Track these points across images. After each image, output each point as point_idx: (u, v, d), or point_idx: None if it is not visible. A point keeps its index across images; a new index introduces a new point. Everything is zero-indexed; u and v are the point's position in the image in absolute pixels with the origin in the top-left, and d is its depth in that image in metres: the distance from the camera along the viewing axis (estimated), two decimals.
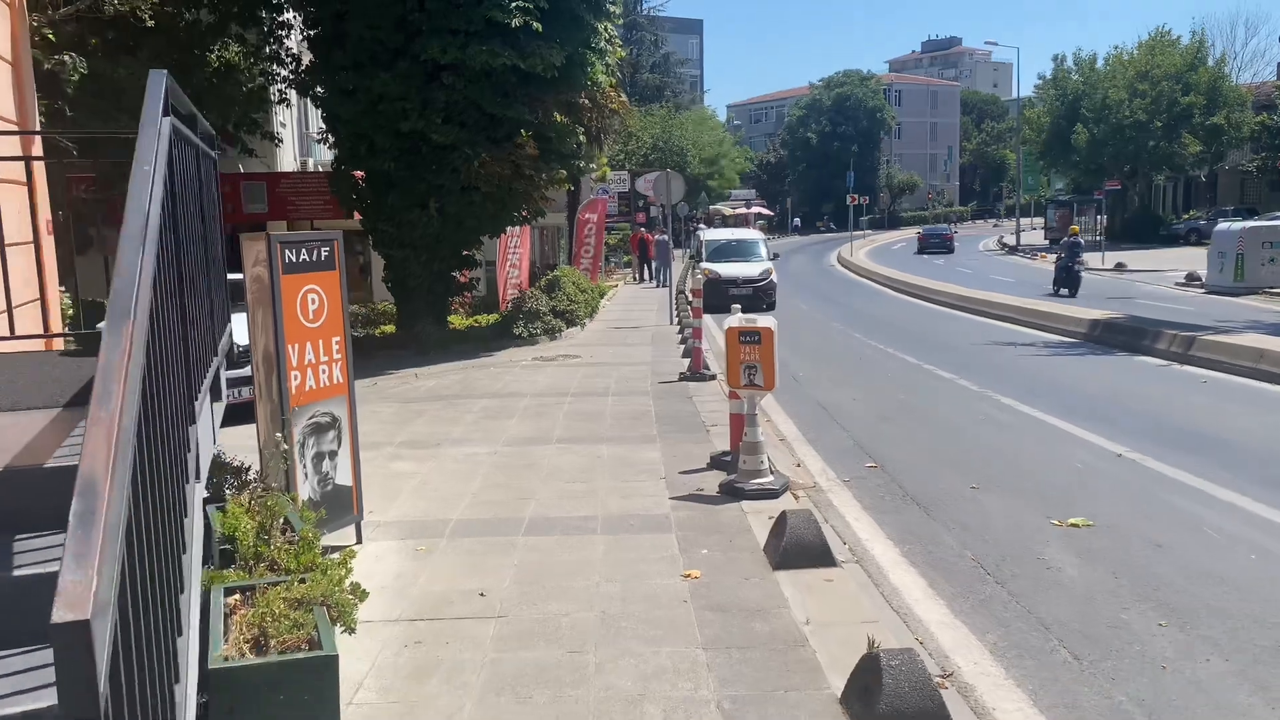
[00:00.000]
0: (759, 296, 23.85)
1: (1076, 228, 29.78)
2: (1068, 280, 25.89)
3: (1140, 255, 39.55)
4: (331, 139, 18.01)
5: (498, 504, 6.62)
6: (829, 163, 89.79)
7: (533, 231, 32.37)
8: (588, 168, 18.87)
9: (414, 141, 16.55)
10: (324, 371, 5.43)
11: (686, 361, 13.53)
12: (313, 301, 5.35)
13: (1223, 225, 26.63)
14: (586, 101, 17.80)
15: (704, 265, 24.51)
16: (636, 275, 33.77)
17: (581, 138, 18.14)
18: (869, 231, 67.52)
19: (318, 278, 5.39)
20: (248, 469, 5.30)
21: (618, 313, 23.05)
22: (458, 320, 19.76)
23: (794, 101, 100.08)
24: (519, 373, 13.21)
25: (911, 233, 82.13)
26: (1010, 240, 62.49)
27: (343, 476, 5.59)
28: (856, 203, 54.87)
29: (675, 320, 19.87)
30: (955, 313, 22.18)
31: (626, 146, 50.51)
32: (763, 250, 25.70)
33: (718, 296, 24.55)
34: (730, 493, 6.71)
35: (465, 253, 18.26)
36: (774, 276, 24.25)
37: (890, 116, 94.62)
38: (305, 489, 5.31)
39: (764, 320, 6.79)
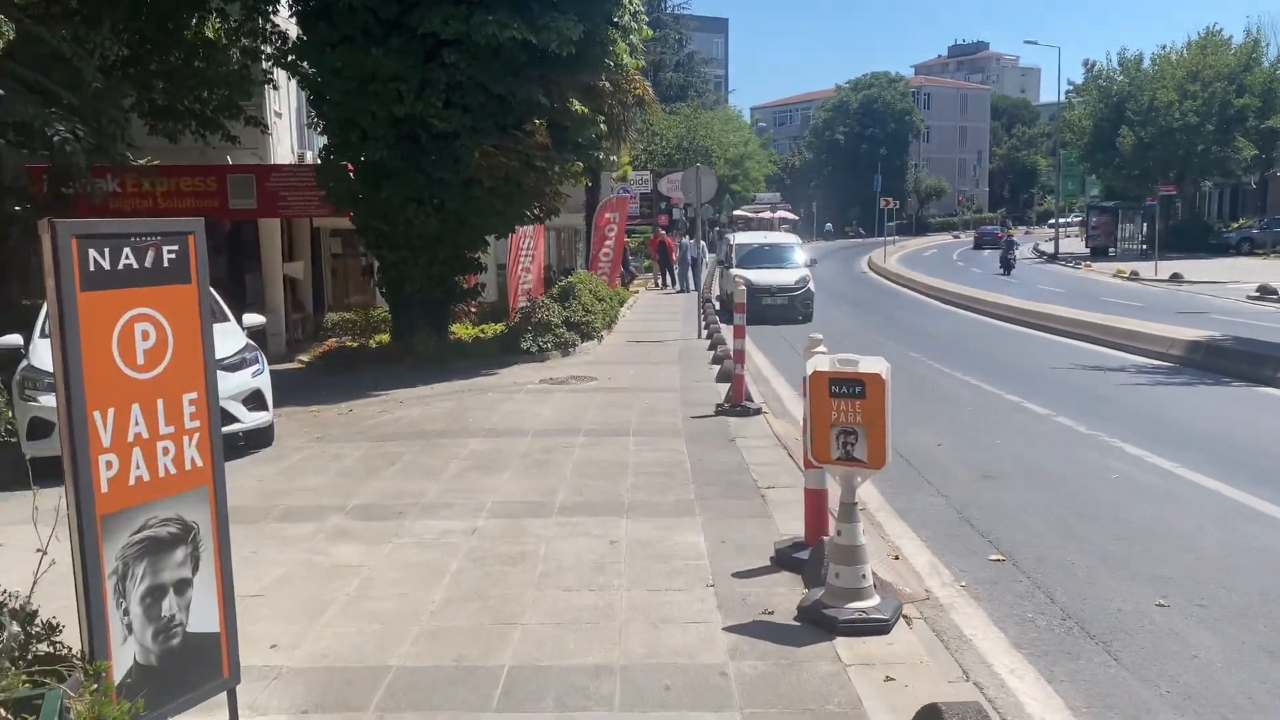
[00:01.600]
0: (795, 307, 21.62)
1: (1013, 231, 43.55)
2: (1004, 265, 39.42)
3: (1193, 265, 36.97)
4: (320, 125, 15.90)
5: (465, 635, 4.40)
6: (856, 166, 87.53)
7: (550, 234, 30.29)
8: (608, 161, 16.70)
9: (411, 128, 14.48)
10: (166, 452, 3.26)
11: (723, 388, 11.31)
12: (145, 336, 3.19)
13: None
14: (607, 85, 15.60)
15: (734, 272, 22.30)
16: (660, 280, 31.57)
17: (602, 126, 15.97)
18: (897, 237, 65.02)
19: (153, 296, 3.22)
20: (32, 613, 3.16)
21: (639, 323, 20.84)
22: (462, 330, 17.63)
23: (820, 104, 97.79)
24: (522, 400, 11.02)
25: (941, 239, 79.90)
26: (1047, 248, 59.92)
27: (201, 619, 3.41)
28: (890, 205, 52.35)
29: (704, 332, 17.65)
30: (1015, 328, 19.85)
31: (649, 146, 48.37)
32: (798, 256, 23.45)
33: (750, 307, 22.32)
34: (815, 620, 4.47)
35: (470, 255, 16.17)
36: (811, 285, 22.00)
37: (918, 120, 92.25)
38: (126, 650, 3.15)
39: (870, 363, 4.55)
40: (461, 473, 7.49)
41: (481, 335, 17.29)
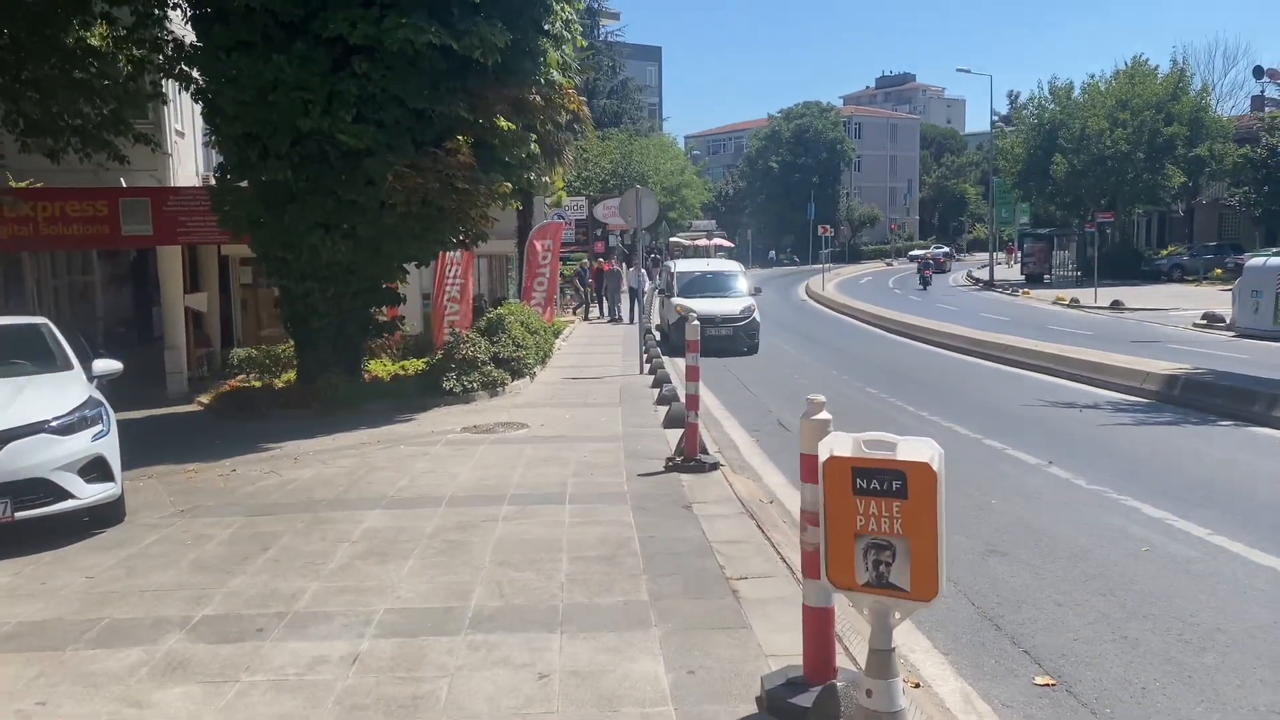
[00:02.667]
0: (740, 338, 20.39)
1: (928, 254, 53.46)
2: (921, 283, 48.21)
3: (1129, 292, 36.84)
4: (215, 141, 14.22)
5: None
6: (789, 194, 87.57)
7: (479, 261, 28.69)
8: (540, 184, 15.30)
9: (318, 145, 12.96)
10: None
11: (671, 435, 9.91)
12: None
13: (1256, 261, 23.72)
14: (538, 99, 14.21)
15: (676, 301, 21.04)
16: (599, 311, 30.13)
17: (534, 146, 14.56)
18: (830, 265, 64.72)
19: None
20: None
21: (575, 356, 19.36)
22: (381, 367, 15.96)
23: (752, 133, 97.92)
24: (439, 455, 9.46)
25: (875, 266, 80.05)
26: (981, 274, 60.08)
27: None
28: (828, 233, 51.84)
29: (646, 367, 16.27)
30: (971, 360, 18.86)
31: (583, 171, 47.11)
32: (742, 284, 22.26)
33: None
34: None
35: (387, 285, 14.60)
36: (757, 315, 20.80)
37: (850, 149, 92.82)
38: None
39: (914, 446, 3.17)
40: (350, 562, 5.93)
41: (402, 372, 15.67)
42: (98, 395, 7.14)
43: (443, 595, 5.30)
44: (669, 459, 8.73)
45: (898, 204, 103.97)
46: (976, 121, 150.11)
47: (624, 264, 31.12)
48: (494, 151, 13.63)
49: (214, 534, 6.69)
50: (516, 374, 14.58)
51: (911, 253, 78.38)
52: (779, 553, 6.00)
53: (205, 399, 14.89)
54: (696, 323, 9.08)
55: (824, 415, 3.81)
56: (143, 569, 5.94)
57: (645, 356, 16.71)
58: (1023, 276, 51.68)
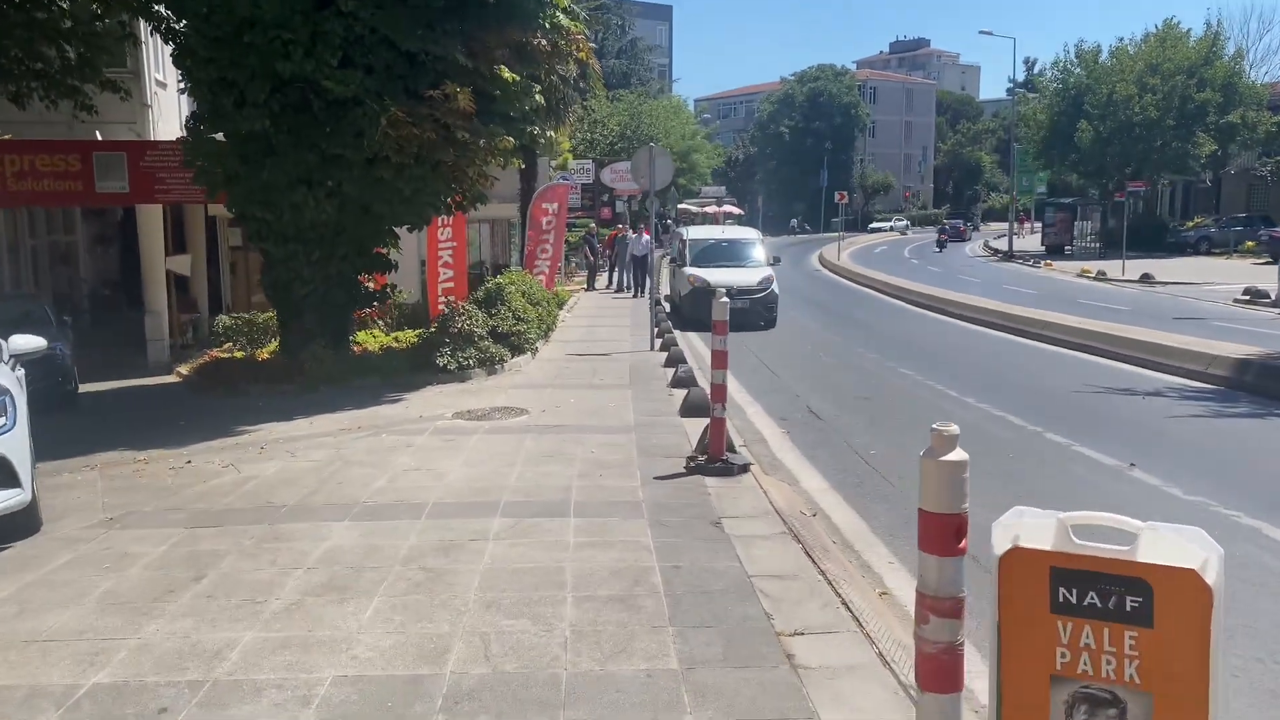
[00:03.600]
0: (757, 311, 19.07)
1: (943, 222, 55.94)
2: (938, 245, 51.66)
3: (1157, 265, 35.33)
4: (189, 88, 12.90)
5: None
6: (801, 160, 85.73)
7: (479, 226, 27.34)
8: (545, 140, 13.95)
9: (300, 92, 11.70)
10: None
11: (690, 426, 8.66)
12: None
13: None
14: (544, 45, 12.86)
15: (689, 271, 19.72)
16: (606, 281, 28.73)
17: (538, 98, 13.22)
18: (844, 234, 63.12)
19: None
20: None
21: (580, 329, 18.08)
22: (370, 339, 14.76)
23: (765, 96, 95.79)
24: (425, 446, 8.22)
25: (887, 236, 78.26)
26: (998, 245, 58.50)
27: None
28: (845, 200, 50.26)
29: (656, 343, 15.00)
30: (1003, 336, 17.56)
31: (590, 134, 45.58)
32: (760, 253, 20.90)
33: (706, 309, 19.57)
34: None
35: (377, 250, 13.36)
36: (775, 286, 19.47)
37: (864, 114, 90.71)
38: None
39: (1166, 539, 1.90)
40: (301, 600, 4.71)
41: (395, 345, 14.47)
42: (6, 380, 5.88)
43: (411, 656, 4.07)
44: (690, 457, 7.48)
45: (912, 171, 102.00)
46: (991, 89, 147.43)
47: (630, 230, 29.79)
48: (495, 103, 12.33)
49: (142, 552, 5.47)
50: (516, 350, 13.33)
51: (887, 224, 77.48)
52: (838, 593, 4.76)
53: (185, 370, 13.76)
54: (725, 299, 7.75)
55: (957, 455, 2.54)
56: (39, 605, 4.72)
57: (656, 331, 15.42)
58: (1043, 248, 50.17)
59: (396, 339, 15.04)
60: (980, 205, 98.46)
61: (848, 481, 7.54)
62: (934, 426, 2.64)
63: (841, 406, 10.79)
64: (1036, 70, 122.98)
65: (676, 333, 16.40)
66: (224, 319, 16.25)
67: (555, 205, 20.49)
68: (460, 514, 6.12)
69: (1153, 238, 46.14)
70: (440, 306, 15.81)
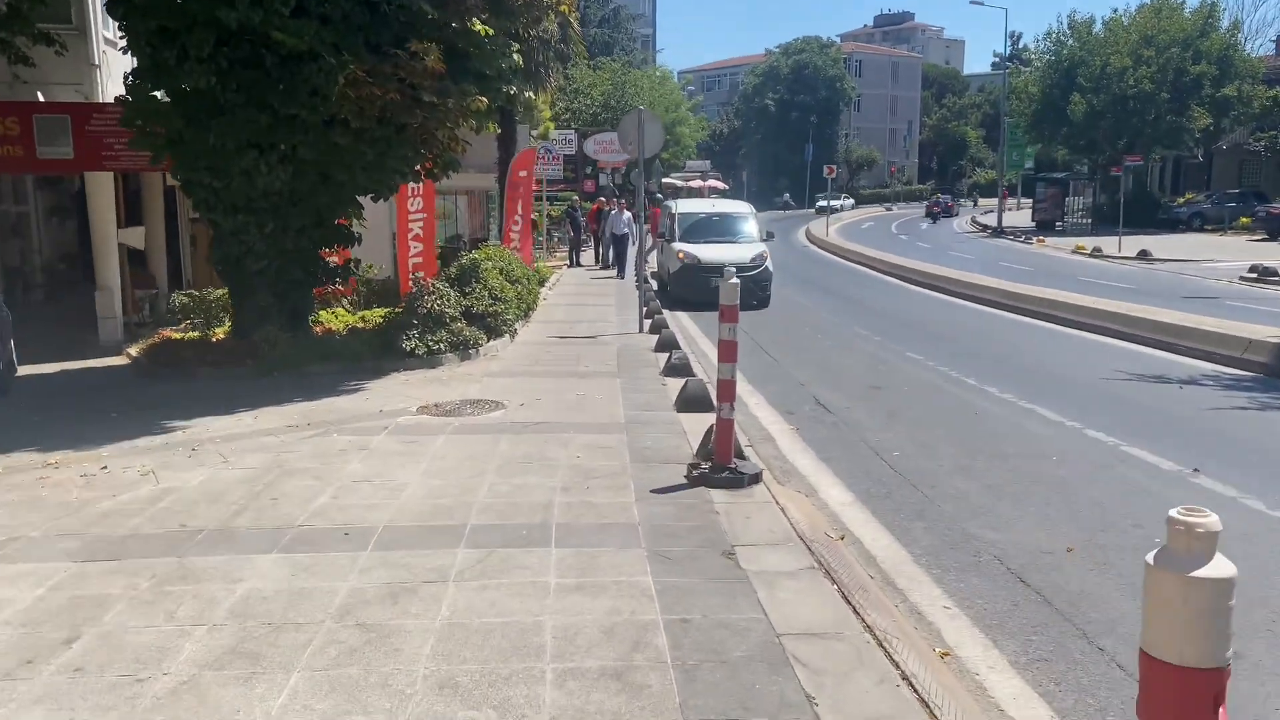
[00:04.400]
0: (750, 290, 17.83)
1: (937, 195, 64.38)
2: (930, 216, 57.37)
3: (1153, 241, 34.53)
4: (128, 42, 11.63)
5: None
6: (787, 134, 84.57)
7: (456, 198, 26.07)
8: (523, 100, 12.73)
9: (250, 45, 10.48)
10: None
11: (687, 422, 7.58)
12: None
13: None
14: None
15: (678, 246, 18.58)
16: (592, 256, 27.49)
17: (516, 57, 12.02)
18: (831, 209, 61.93)
19: None
20: None
21: (563, 309, 16.93)
22: (331, 318, 13.58)
23: (750, 69, 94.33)
24: (382, 451, 7.08)
25: (873, 211, 77.18)
26: (985, 220, 57.64)
27: None
28: (833, 174, 49.11)
29: (645, 324, 13.88)
30: (1008, 316, 16.58)
31: (572, 103, 44.16)
32: (752, 228, 19.77)
33: (696, 288, 18.47)
34: None
35: (339, 222, 12.22)
36: (769, 263, 18.38)
37: (850, 87, 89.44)
38: None
39: None
40: (195, 677, 3.59)
41: (362, 325, 13.32)
42: None
43: None
44: (692, 464, 6.39)
45: (897, 146, 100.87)
46: (975, 63, 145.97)
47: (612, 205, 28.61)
48: (468, 61, 11.15)
49: (10, 599, 4.33)
50: (493, 332, 12.18)
51: (837, 202, 75.20)
52: (895, 661, 3.70)
53: (135, 350, 12.59)
54: (736, 280, 6.62)
55: (1219, 568, 1.44)
56: None
57: (644, 312, 14.29)
58: (1033, 223, 49.26)
59: (363, 319, 13.87)
60: (966, 180, 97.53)
61: (874, 492, 6.47)
62: (1174, 514, 1.54)
63: (852, 397, 9.72)
64: (1022, 45, 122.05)
65: (666, 313, 15.29)
66: (180, 295, 15.05)
67: (524, 172, 19.24)
68: (416, 543, 5.00)
69: (1145, 214, 45.28)
70: (411, 285, 14.66)
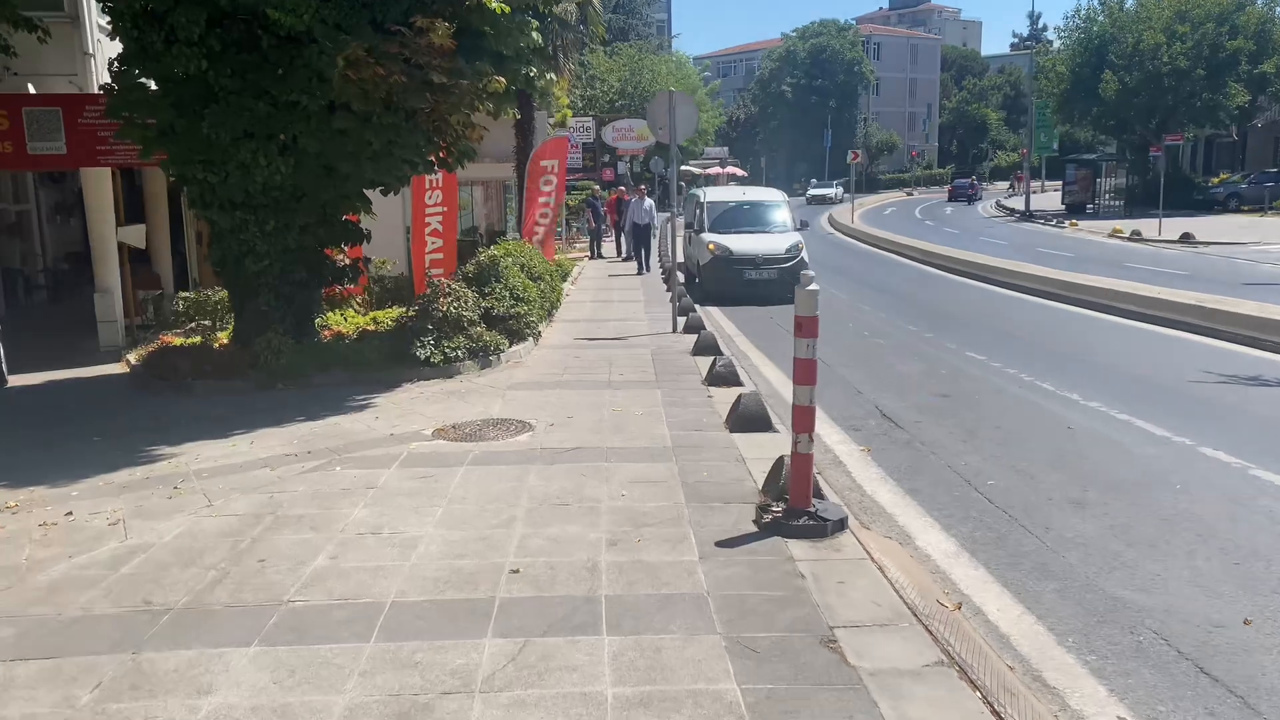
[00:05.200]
0: (786, 282, 16.82)
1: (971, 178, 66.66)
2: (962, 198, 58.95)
3: (1190, 224, 33.14)
4: (113, 24, 10.66)
5: None
6: (804, 119, 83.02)
7: (472, 189, 25.03)
8: (543, 83, 11.66)
9: (245, 26, 9.53)
10: None
11: (744, 443, 6.52)
12: None
13: None
14: None
15: (707, 237, 17.50)
16: (613, 247, 26.37)
17: (535, 35, 10.97)
18: (853, 195, 60.64)
19: None
20: None
21: (588, 306, 15.88)
22: (339, 321, 12.63)
23: (766, 53, 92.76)
24: (390, 490, 6.04)
25: (894, 195, 75.70)
26: (1010, 204, 56.21)
27: None
28: (858, 159, 47.81)
29: (679, 322, 12.81)
30: (1067, 309, 15.43)
31: (588, 90, 43.04)
32: (786, 216, 18.65)
33: (728, 282, 17.35)
34: None
35: (347, 217, 11.27)
36: (805, 254, 17.27)
37: (869, 70, 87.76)
38: None
39: None
40: None
41: (373, 327, 12.36)
42: None
43: None
44: (762, 505, 5.34)
45: (917, 130, 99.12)
46: (993, 45, 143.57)
47: (630, 192, 27.41)
48: (483, 41, 10.11)
49: None
50: (515, 336, 11.15)
51: (830, 190, 72.40)
52: None
53: (135, 357, 11.73)
54: (813, 286, 5.55)
55: None
56: None
57: (677, 308, 13.21)
58: (1063, 206, 47.85)
59: (375, 320, 12.89)
60: (988, 164, 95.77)
61: (980, 536, 5.40)
62: None
63: (919, 407, 8.64)
64: (1042, 25, 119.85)
65: (698, 309, 14.24)
66: (185, 296, 14.15)
67: (555, 162, 18.12)
68: (432, 628, 3.97)
69: (1179, 195, 43.81)
70: (426, 284, 13.66)
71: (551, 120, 27.50)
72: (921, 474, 6.61)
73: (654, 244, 22.38)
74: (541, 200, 18.40)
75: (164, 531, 5.29)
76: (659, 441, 6.97)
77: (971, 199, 63.33)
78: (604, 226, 26.22)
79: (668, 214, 16.53)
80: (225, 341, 11.69)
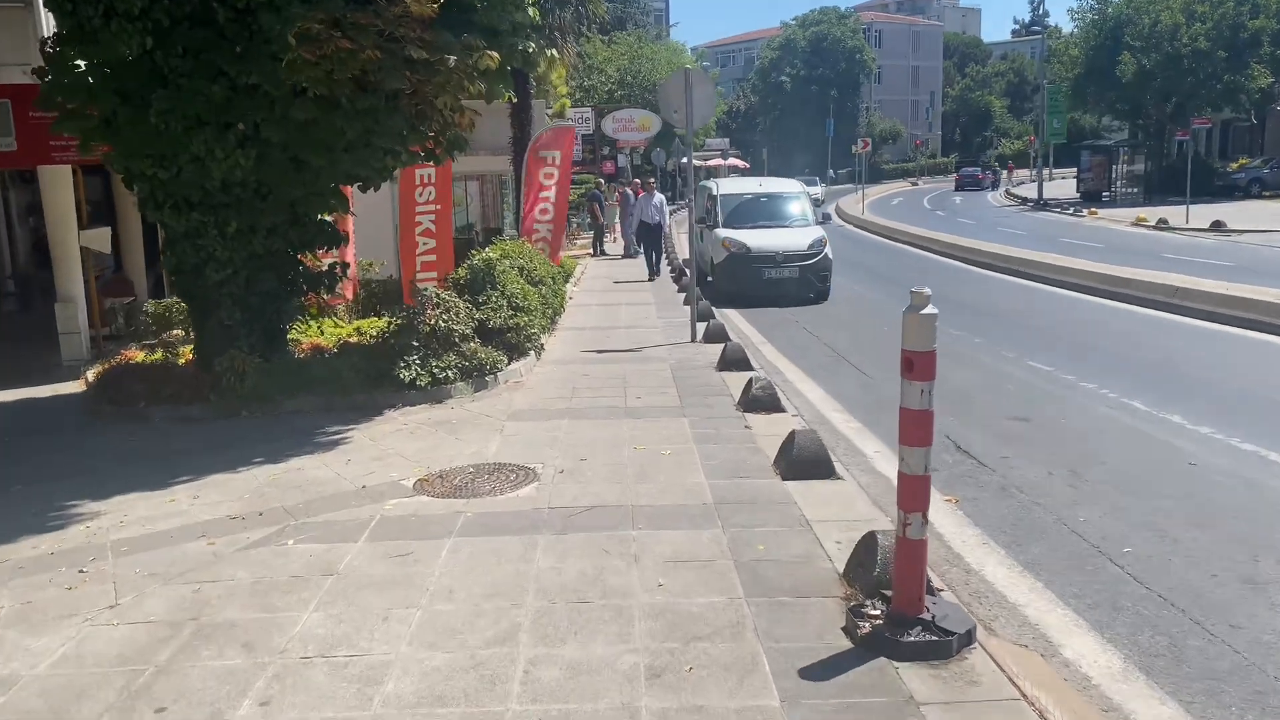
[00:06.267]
0: (808, 281, 15.50)
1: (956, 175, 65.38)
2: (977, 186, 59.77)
3: (1216, 212, 31.70)
4: None
5: None
6: (805, 109, 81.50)
7: (466, 183, 23.58)
8: (545, 57, 10.25)
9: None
10: None
11: (807, 500, 5.11)
12: None
13: None
14: None
15: (721, 233, 16.08)
16: (622, 246, 24.74)
17: (531, 10, 9.57)
18: (856, 185, 59.18)
19: None
20: None
21: (594, 312, 14.45)
22: (317, 335, 11.27)
23: (765, 43, 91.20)
24: (355, 578, 4.61)
25: (900, 186, 74.18)
26: (1020, 192, 54.77)
27: None
28: (867, 148, 46.33)
29: (699, 330, 11.40)
30: (1119, 305, 14.05)
31: (585, 80, 41.56)
32: (806, 209, 17.23)
33: (745, 281, 15.77)
34: None
35: (323, 216, 9.91)
36: (829, 250, 15.86)
37: (870, 58, 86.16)
38: None
39: None
40: None
41: (357, 339, 11.00)
42: None
43: None
44: (854, 606, 3.92)
45: (920, 118, 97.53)
46: (992, 32, 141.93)
47: (632, 186, 25.83)
48: (473, 14, 8.72)
49: None
50: (515, 350, 9.73)
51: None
52: None
53: (95, 374, 10.40)
54: (930, 310, 4.10)
55: None
56: None
57: (696, 314, 11.79)
58: (1078, 194, 46.39)
59: (359, 331, 11.51)
60: (992, 152, 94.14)
61: (1148, 644, 3.99)
62: None
63: (999, 436, 7.24)
64: (1043, 10, 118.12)
65: (716, 312, 12.86)
66: (152, 305, 12.76)
67: (557, 154, 16.60)
68: None
69: (1199, 181, 42.20)
70: (421, 286, 12.24)
71: (550, 111, 26.04)
72: (1034, 537, 5.20)
73: (666, 244, 20.78)
74: (543, 195, 16.87)
75: (40, 654, 3.89)
76: (696, 495, 5.56)
77: (984, 187, 62.22)
78: (606, 222, 24.65)
79: (673, 207, 15.04)
80: (188, 358, 10.33)
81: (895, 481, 6.12)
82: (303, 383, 8.92)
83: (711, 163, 59.11)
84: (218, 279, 9.14)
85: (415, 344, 8.87)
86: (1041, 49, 50.24)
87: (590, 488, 5.74)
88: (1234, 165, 45.20)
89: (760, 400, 7.52)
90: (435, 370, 8.73)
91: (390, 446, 7.01)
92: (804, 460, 5.76)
